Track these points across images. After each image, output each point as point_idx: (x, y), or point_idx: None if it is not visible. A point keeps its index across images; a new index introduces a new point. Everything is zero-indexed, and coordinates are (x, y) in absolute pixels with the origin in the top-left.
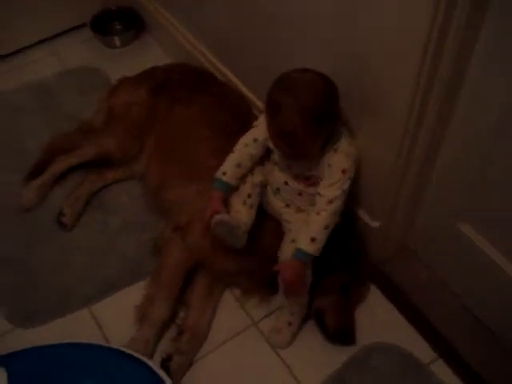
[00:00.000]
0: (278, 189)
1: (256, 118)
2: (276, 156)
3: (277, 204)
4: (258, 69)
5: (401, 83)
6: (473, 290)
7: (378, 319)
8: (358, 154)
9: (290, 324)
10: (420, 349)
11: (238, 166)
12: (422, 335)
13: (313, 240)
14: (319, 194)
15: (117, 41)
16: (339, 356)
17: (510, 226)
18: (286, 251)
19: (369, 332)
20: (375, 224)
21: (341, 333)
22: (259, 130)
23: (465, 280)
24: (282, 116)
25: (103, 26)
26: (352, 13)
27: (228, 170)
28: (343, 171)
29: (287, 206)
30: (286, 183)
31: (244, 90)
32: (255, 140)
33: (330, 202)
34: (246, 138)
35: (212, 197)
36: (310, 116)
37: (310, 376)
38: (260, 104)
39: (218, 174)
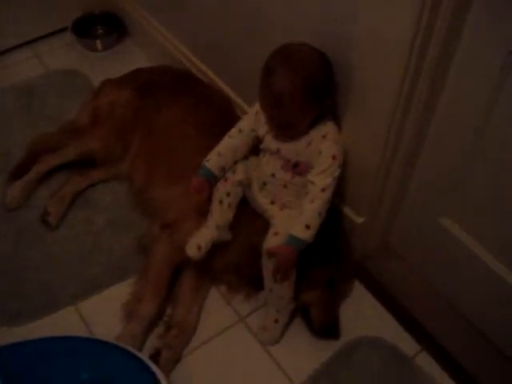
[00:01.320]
0: (264, 183)
1: (239, 118)
2: (266, 142)
3: (262, 200)
4: (241, 69)
5: (387, 77)
6: (453, 283)
7: (363, 314)
8: (344, 145)
9: (276, 321)
10: (404, 342)
11: (219, 154)
12: (405, 329)
13: (307, 227)
14: (312, 182)
15: (98, 44)
16: (326, 350)
17: (489, 218)
18: (269, 243)
19: (354, 326)
20: (359, 220)
21: (326, 327)
22: (245, 122)
23: (444, 274)
24: (273, 78)
25: (86, 29)
26: None
27: (211, 157)
28: (333, 157)
29: (272, 203)
30: (273, 175)
31: (227, 90)
32: (240, 131)
33: (323, 190)
34: (233, 129)
35: (192, 182)
36: (302, 82)
37: (298, 370)
38: (243, 104)
39: (203, 161)
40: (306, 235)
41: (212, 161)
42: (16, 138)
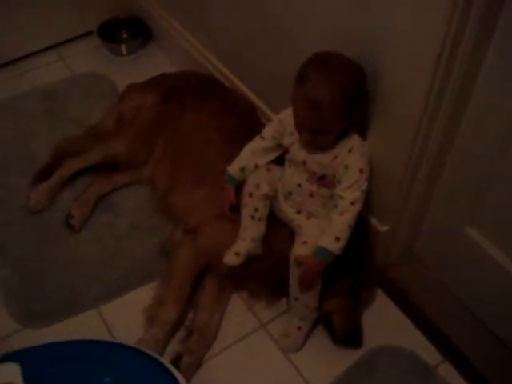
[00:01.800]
0: (290, 193)
1: (263, 124)
2: (291, 153)
3: (288, 210)
4: (266, 75)
5: (414, 87)
6: (478, 294)
7: (385, 322)
8: (370, 155)
9: (299, 329)
10: (426, 352)
11: (239, 157)
12: (427, 338)
13: (337, 239)
14: (340, 196)
15: (123, 49)
16: (347, 358)
17: None
18: (297, 252)
19: (375, 335)
20: (384, 228)
21: (348, 335)
22: (267, 129)
23: (469, 284)
24: (311, 85)
25: (111, 34)
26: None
27: (233, 163)
28: (360, 171)
29: (298, 212)
30: (300, 185)
31: (251, 96)
32: (262, 137)
33: (353, 203)
34: (256, 136)
35: (223, 190)
36: (340, 88)
37: (319, 377)
38: (267, 110)
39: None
40: (335, 247)
41: (233, 165)
42: (40, 141)
